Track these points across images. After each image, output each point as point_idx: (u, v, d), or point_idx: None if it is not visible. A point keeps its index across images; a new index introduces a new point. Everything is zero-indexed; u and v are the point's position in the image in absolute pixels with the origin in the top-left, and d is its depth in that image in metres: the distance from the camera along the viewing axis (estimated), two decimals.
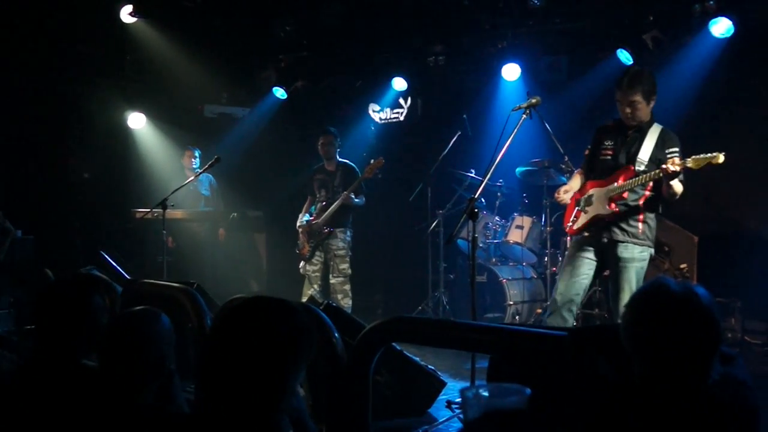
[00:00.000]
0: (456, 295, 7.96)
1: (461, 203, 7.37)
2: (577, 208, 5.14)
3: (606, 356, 2.13)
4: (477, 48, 8.31)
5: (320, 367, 2.83)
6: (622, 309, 4.80)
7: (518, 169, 7.24)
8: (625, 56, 7.22)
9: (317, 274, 7.44)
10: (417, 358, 4.79)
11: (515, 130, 5.03)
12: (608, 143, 5.03)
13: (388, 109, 9.46)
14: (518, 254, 7.49)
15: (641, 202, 4.89)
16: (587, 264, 5.02)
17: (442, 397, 4.75)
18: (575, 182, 5.23)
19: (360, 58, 9.07)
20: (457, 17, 8.22)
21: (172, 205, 7.16)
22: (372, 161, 7.30)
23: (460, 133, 7.41)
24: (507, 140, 4.99)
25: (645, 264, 4.89)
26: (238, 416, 1.74)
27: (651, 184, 4.82)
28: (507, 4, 7.79)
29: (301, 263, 7.50)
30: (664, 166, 4.57)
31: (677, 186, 4.68)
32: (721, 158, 4.49)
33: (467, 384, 4.79)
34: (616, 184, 4.88)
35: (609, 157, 4.99)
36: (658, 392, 1.81)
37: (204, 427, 1.79)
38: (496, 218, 7.55)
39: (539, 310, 7.18)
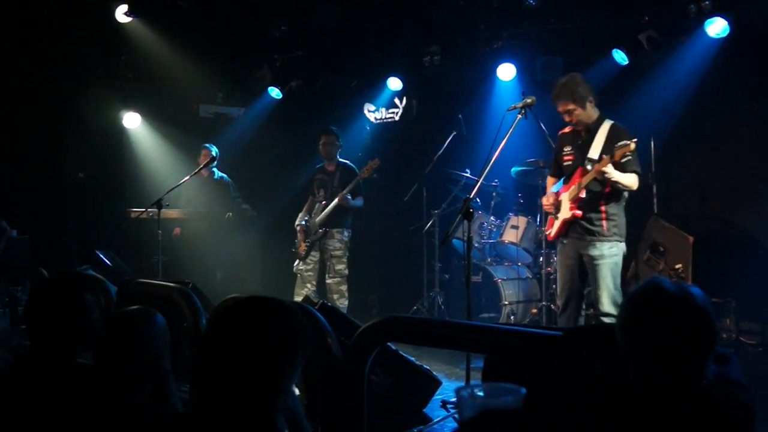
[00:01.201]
0: (451, 295, 7.96)
1: (456, 203, 7.37)
2: (550, 215, 5.40)
3: (601, 356, 2.14)
4: (472, 48, 8.30)
5: (316, 366, 2.83)
6: (602, 308, 4.99)
7: (513, 169, 7.24)
8: (620, 56, 7.22)
9: (310, 273, 7.43)
10: (412, 358, 4.79)
11: (510, 130, 5.06)
12: (567, 149, 5.30)
13: (383, 109, 9.46)
14: (513, 254, 7.50)
15: (601, 199, 5.05)
16: (572, 267, 5.22)
17: (438, 396, 4.74)
18: (548, 188, 5.50)
19: (355, 57, 9.07)
20: (453, 17, 8.22)
21: (167, 205, 7.15)
22: (369, 162, 7.30)
23: (455, 133, 7.41)
24: (502, 140, 5.01)
25: (617, 259, 5.04)
26: (233, 416, 1.74)
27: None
28: (502, 3, 7.79)
29: (296, 261, 7.49)
30: (595, 167, 4.84)
31: (623, 179, 4.85)
32: (632, 146, 4.67)
33: (462, 384, 4.78)
34: (573, 186, 5.12)
35: (570, 162, 5.25)
36: (652, 392, 1.81)
37: (199, 427, 1.79)
38: (492, 218, 7.55)
39: (534, 310, 7.19)
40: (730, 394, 1.84)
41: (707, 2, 6.57)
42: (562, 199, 5.26)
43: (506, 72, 7.88)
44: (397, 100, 9.33)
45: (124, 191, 9.01)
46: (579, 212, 5.04)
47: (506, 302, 7.05)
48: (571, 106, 5.07)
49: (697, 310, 1.82)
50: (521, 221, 7.38)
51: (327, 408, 2.81)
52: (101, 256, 7.39)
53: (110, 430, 2.25)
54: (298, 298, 6.98)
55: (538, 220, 7.22)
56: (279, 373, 1.78)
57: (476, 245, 7.45)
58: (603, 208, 5.04)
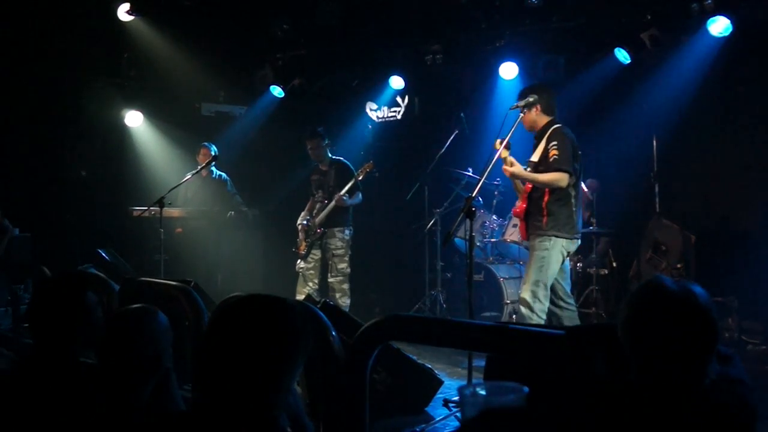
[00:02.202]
0: (453, 294, 7.96)
1: (458, 202, 7.37)
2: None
3: (603, 355, 2.13)
4: (474, 47, 8.30)
5: (317, 365, 2.83)
6: (520, 297, 5.27)
7: None
8: (623, 55, 7.22)
9: (312, 272, 7.43)
10: (414, 357, 4.79)
11: (512, 129, 5.07)
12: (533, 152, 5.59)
13: (385, 108, 9.46)
14: (515, 253, 7.49)
15: (543, 198, 5.32)
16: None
17: (439, 395, 4.75)
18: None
19: (357, 56, 9.06)
20: (455, 16, 8.22)
21: (170, 203, 7.15)
22: (363, 165, 7.33)
23: (457, 131, 7.40)
24: (504, 139, 5.03)
25: (547, 254, 5.30)
26: (235, 414, 1.74)
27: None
28: (504, 2, 7.78)
29: (298, 260, 7.50)
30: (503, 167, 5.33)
31: (540, 178, 5.22)
32: (554, 151, 5.14)
33: (464, 382, 4.79)
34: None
35: (529, 168, 5.51)
36: (655, 391, 1.81)
37: (201, 425, 1.79)
38: (494, 217, 7.55)
39: None
40: (733, 393, 1.83)
41: (709, 1, 6.56)
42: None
43: (508, 71, 7.87)
44: (399, 99, 9.33)
45: (127, 190, 9.01)
46: (527, 208, 5.45)
47: (508, 301, 7.05)
48: (522, 113, 5.42)
49: (700, 309, 1.82)
50: None
51: (328, 406, 2.81)
52: (103, 254, 7.39)
53: (113, 428, 2.25)
54: (300, 297, 6.98)
55: None
56: (281, 372, 1.78)
57: (478, 244, 7.44)
58: (543, 205, 5.32)
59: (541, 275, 5.26)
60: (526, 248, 7.34)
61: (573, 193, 5.32)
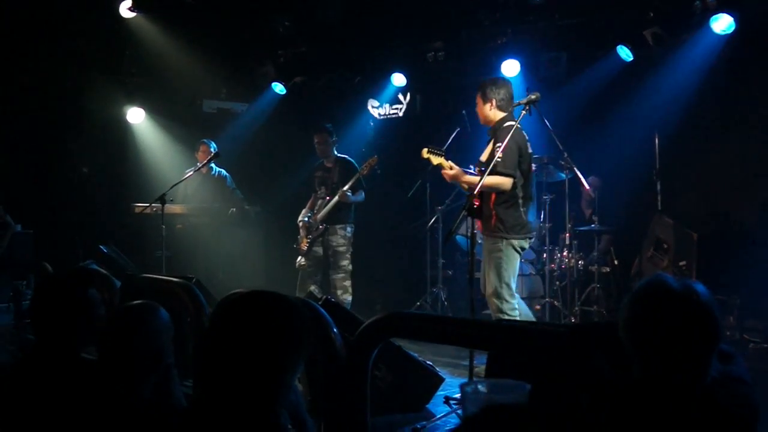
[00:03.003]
0: (454, 292, 7.96)
1: (460, 199, 7.36)
2: None
3: (604, 353, 2.13)
4: (476, 44, 8.29)
5: (319, 362, 2.83)
6: (490, 300, 5.30)
7: None
8: (625, 52, 7.21)
9: (312, 269, 7.43)
10: (415, 354, 4.79)
11: (515, 126, 5.05)
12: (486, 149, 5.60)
13: (387, 105, 9.45)
14: None
15: (491, 199, 5.36)
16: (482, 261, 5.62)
17: (441, 392, 4.75)
18: None
19: (359, 53, 9.05)
20: (457, 13, 8.21)
21: (171, 200, 7.15)
22: (368, 159, 7.31)
23: (459, 129, 7.39)
24: (507, 136, 5.02)
25: (502, 254, 5.33)
26: (235, 411, 1.74)
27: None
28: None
29: (298, 257, 7.49)
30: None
31: (487, 181, 4.95)
32: (498, 153, 5.02)
33: (465, 380, 4.79)
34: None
35: (480, 164, 5.54)
36: (656, 389, 1.80)
37: (201, 422, 1.79)
38: None
39: (538, 307, 7.18)
40: (734, 391, 1.83)
41: None
42: None
43: (510, 68, 7.86)
44: (400, 96, 9.32)
45: (128, 186, 9.01)
46: (477, 201, 5.27)
47: None
48: (478, 99, 5.50)
49: (702, 307, 1.82)
50: None
51: (330, 403, 2.81)
52: (105, 250, 7.39)
53: (114, 424, 2.26)
54: (301, 294, 6.98)
55: (542, 216, 7.22)
56: (282, 368, 1.78)
57: (480, 241, 7.42)
58: (491, 206, 5.36)
59: (501, 277, 5.31)
60: (529, 246, 7.38)
61: (521, 194, 5.33)
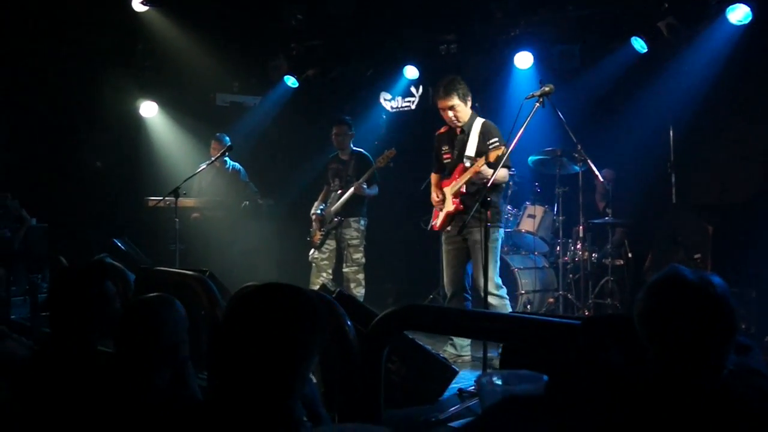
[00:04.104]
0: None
1: None
2: (435, 207, 5.88)
3: (619, 345, 2.12)
4: (489, 36, 8.26)
5: (332, 354, 2.84)
6: (489, 288, 5.21)
7: (531, 158, 7.21)
8: (639, 44, 7.15)
9: (326, 262, 7.44)
10: (429, 347, 4.79)
11: (528, 119, 5.05)
12: (445, 148, 5.80)
13: (399, 98, 9.43)
14: (530, 243, 7.47)
15: (484, 190, 5.32)
16: (457, 254, 5.74)
17: (454, 385, 4.75)
18: (432, 185, 5.94)
19: (371, 46, 9.04)
20: (469, 5, 8.18)
21: (185, 194, 7.18)
22: (385, 152, 7.30)
23: None
24: (520, 129, 5.02)
25: (497, 243, 5.65)
26: (251, 403, 1.75)
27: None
28: None
29: (311, 250, 7.51)
30: (472, 169, 5.33)
31: (496, 175, 5.15)
32: (502, 149, 5.15)
33: (479, 372, 4.79)
34: (454, 182, 5.61)
35: (449, 160, 5.75)
36: (672, 382, 1.80)
37: (217, 414, 1.79)
38: (508, 207, 7.52)
39: (551, 300, 7.17)
40: (751, 383, 1.82)
41: None
42: (445, 193, 5.71)
43: (523, 60, 7.83)
44: (413, 89, 9.30)
45: (142, 180, 9.04)
46: (461, 206, 5.55)
47: (523, 291, 7.03)
48: (455, 101, 5.54)
49: (718, 299, 1.81)
50: (538, 210, 7.36)
51: (344, 396, 2.82)
52: (119, 244, 7.43)
53: (129, 416, 2.27)
54: (315, 287, 6.98)
55: (555, 209, 7.19)
56: (296, 360, 1.78)
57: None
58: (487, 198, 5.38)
59: (496, 265, 5.58)
60: (542, 239, 7.38)
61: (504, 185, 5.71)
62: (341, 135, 7.44)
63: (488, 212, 5.31)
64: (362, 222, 7.40)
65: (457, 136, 5.70)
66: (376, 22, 8.77)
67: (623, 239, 7.53)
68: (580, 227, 7.12)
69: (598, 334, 2.25)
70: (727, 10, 6.51)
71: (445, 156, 5.81)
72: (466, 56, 8.45)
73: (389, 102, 9.50)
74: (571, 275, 7.21)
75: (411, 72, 8.78)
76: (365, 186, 7.23)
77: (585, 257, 7.10)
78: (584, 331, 2.27)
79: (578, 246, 7.22)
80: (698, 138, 7.32)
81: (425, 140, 8.97)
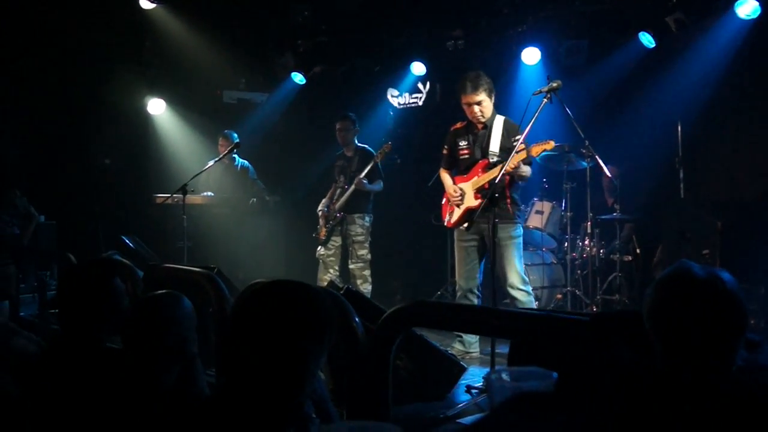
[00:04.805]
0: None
1: None
2: (451, 203, 5.80)
3: (627, 341, 2.12)
4: (496, 32, 8.24)
5: (341, 351, 2.84)
6: (513, 284, 5.38)
7: None
8: (647, 39, 7.12)
9: (332, 258, 7.45)
10: (437, 343, 4.79)
11: (536, 115, 5.04)
12: (463, 143, 5.71)
13: (406, 94, 9.42)
14: (538, 239, 7.45)
15: (505, 187, 5.46)
16: (472, 251, 5.69)
17: (463, 381, 4.74)
18: (447, 180, 5.85)
19: (378, 42, 9.03)
20: (476, 1, 8.16)
21: (192, 191, 7.19)
22: (383, 146, 7.31)
23: None
24: (528, 125, 5.02)
25: (520, 240, 5.62)
26: (259, 400, 1.75)
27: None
28: None
29: (319, 247, 7.52)
30: (515, 158, 5.14)
31: (526, 171, 5.35)
32: (552, 144, 5.22)
33: (487, 369, 4.79)
34: (476, 177, 5.52)
35: (467, 155, 5.67)
36: (681, 378, 1.79)
37: (225, 411, 1.80)
38: None
39: (559, 296, 7.16)
40: (761, 380, 1.81)
41: None
42: (464, 189, 5.64)
43: (531, 56, 7.80)
44: (420, 85, 9.29)
45: (149, 177, 9.08)
46: (483, 200, 5.37)
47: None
48: (483, 97, 5.45)
49: (727, 295, 1.80)
50: (546, 206, 7.34)
51: (352, 392, 2.82)
52: (127, 241, 7.45)
53: (138, 413, 2.27)
54: (322, 284, 6.99)
55: (563, 205, 7.17)
56: (305, 357, 1.78)
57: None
58: (508, 193, 5.50)
59: (521, 260, 5.57)
60: (550, 235, 7.36)
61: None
62: (344, 130, 7.44)
63: (509, 208, 5.47)
64: (367, 218, 7.40)
65: (479, 132, 5.63)
66: (383, 18, 8.76)
67: (631, 235, 7.51)
68: (588, 223, 7.10)
69: (607, 331, 2.24)
70: (736, 4, 6.47)
71: (461, 152, 5.72)
72: (474, 52, 8.43)
73: (396, 98, 9.49)
74: (579, 271, 7.20)
75: (418, 68, 8.77)
76: (366, 181, 7.22)
77: (593, 253, 7.09)
78: (593, 328, 2.27)
79: (586, 242, 7.21)
80: (707, 133, 7.28)
81: (432, 136, 9.00)
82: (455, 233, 5.88)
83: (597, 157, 6.31)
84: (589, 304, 6.87)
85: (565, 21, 7.74)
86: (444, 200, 5.90)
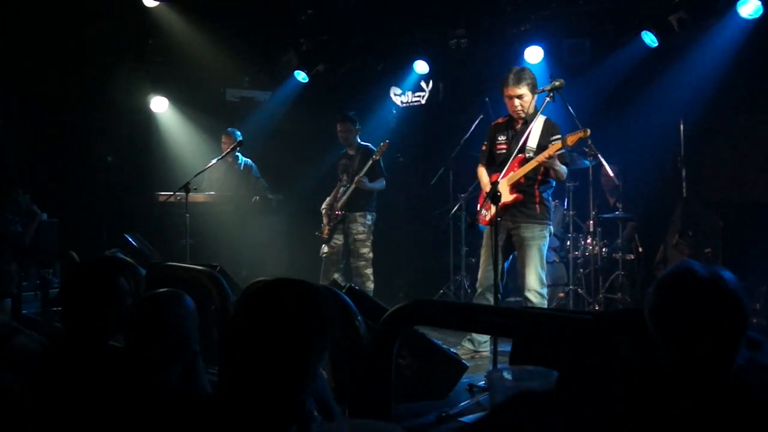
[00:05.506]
0: (477, 279, 7.93)
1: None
2: (486, 200, 5.62)
3: (630, 340, 2.12)
4: (499, 30, 8.23)
5: (343, 349, 2.85)
6: (529, 286, 5.36)
7: None
8: (650, 38, 7.11)
9: (335, 257, 7.46)
10: (439, 342, 4.79)
11: (538, 113, 5.04)
12: (501, 138, 5.64)
13: (409, 93, 9.42)
14: None
15: (536, 186, 5.45)
16: (499, 250, 5.53)
17: (464, 380, 4.75)
18: (484, 177, 5.75)
19: (381, 41, 9.03)
20: None
21: (195, 189, 7.19)
22: (380, 145, 7.32)
23: (482, 116, 7.36)
24: (530, 123, 5.01)
25: (546, 241, 5.52)
26: (261, 398, 1.75)
27: (542, 169, 5.37)
28: None
29: (322, 246, 7.53)
30: (553, 147, 5.18)
31: (561, 168, 5.31)
32: (588, 132, 5.15)
33: (489, 368, 4.80)
34: (513, 172, 5.41)
35: (504, 150, 5.56)
36: (683, 376, 1.79)
37: (228, 409, 1.80)
38: None
39: (562, 294, 7.16)
40: (762, 379, 1.81)
41: None
42: (497, 184, 5.49)
43: (534, 54, 7.79)
44: (423, 84, 9.29)
45: (152, 175, 9.07)
46: (520, 195, 5.42)
47: None
48: (525, 91, 5.39)
49: (729, 294, 1.80)
50: None
51: (354, 390, 2.82)
52: (129, 239, 7.45)
53: (140, 411, 2.28)
54: (325, 282, 7.00)
55: (566, 203, 7.17)
56: (307, 356, 1.78)
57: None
58: (537, 193, 5.46)
59: (542, 262, 5.46)
60: (553, 234, 7.35)
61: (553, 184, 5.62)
62: (345, 132, 7.46)
63: (537, 207, 5.43)
64: (369, 217, 7.40)
65: (519, 127, 5.54)
66: (386, 16, 8.75)
67: (634, 234, 7.52)
68: (591, 222, 7.11)
69: (609, 329, 2.25)
70: (738, 3, 6.46)
71: (499, 146, 5.64)
72: (476, 51, 8.43)
73: (399, 97, 9.49)
74: (581, 270, 7.20)
75: (421, 67, 8.77)
76: (366, 180, 7.22)
77: (595, 252, 7.09)
78: (595, 326, 2.27)
79: (589, 240, 7.21)
80: (709, 132, 7.28)
81: (435, 135, 9.01)
82: (485, 231, 5.78)
83: (599, 155, 6.31)
84: (592, 303, 6.88)
85: (568, 20, 7.73)
86: (480, 197, 5.82)
